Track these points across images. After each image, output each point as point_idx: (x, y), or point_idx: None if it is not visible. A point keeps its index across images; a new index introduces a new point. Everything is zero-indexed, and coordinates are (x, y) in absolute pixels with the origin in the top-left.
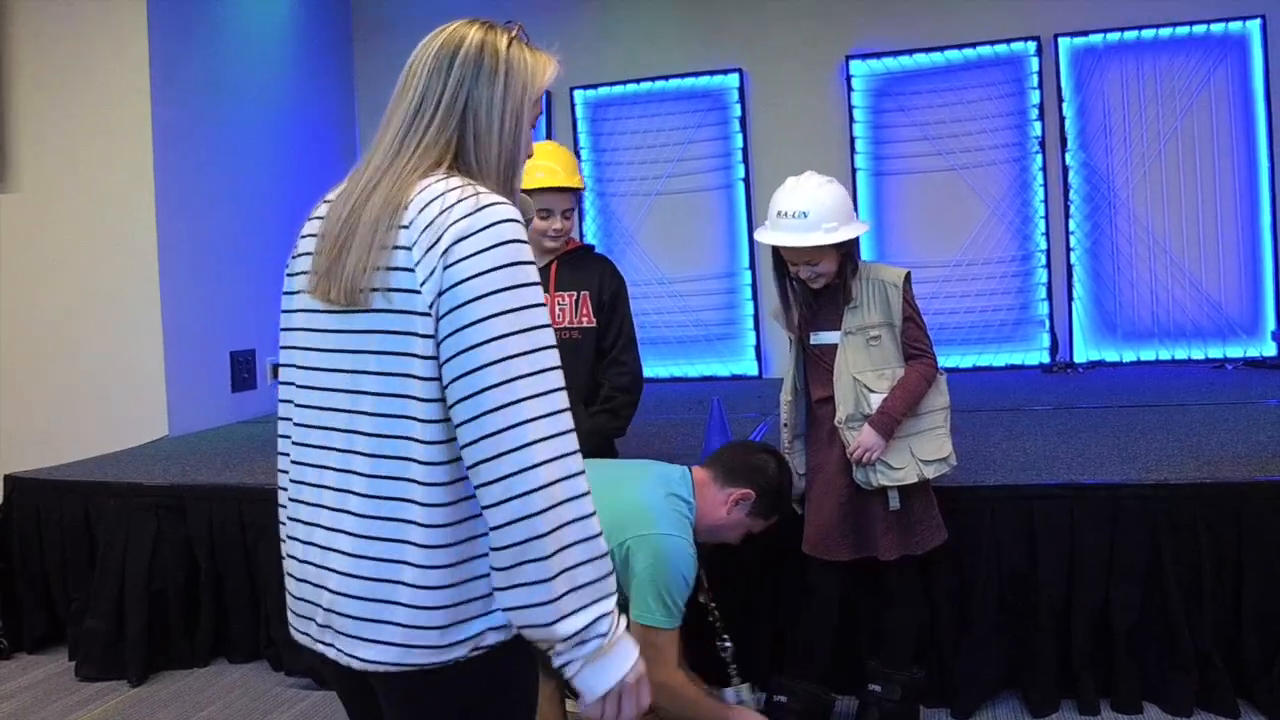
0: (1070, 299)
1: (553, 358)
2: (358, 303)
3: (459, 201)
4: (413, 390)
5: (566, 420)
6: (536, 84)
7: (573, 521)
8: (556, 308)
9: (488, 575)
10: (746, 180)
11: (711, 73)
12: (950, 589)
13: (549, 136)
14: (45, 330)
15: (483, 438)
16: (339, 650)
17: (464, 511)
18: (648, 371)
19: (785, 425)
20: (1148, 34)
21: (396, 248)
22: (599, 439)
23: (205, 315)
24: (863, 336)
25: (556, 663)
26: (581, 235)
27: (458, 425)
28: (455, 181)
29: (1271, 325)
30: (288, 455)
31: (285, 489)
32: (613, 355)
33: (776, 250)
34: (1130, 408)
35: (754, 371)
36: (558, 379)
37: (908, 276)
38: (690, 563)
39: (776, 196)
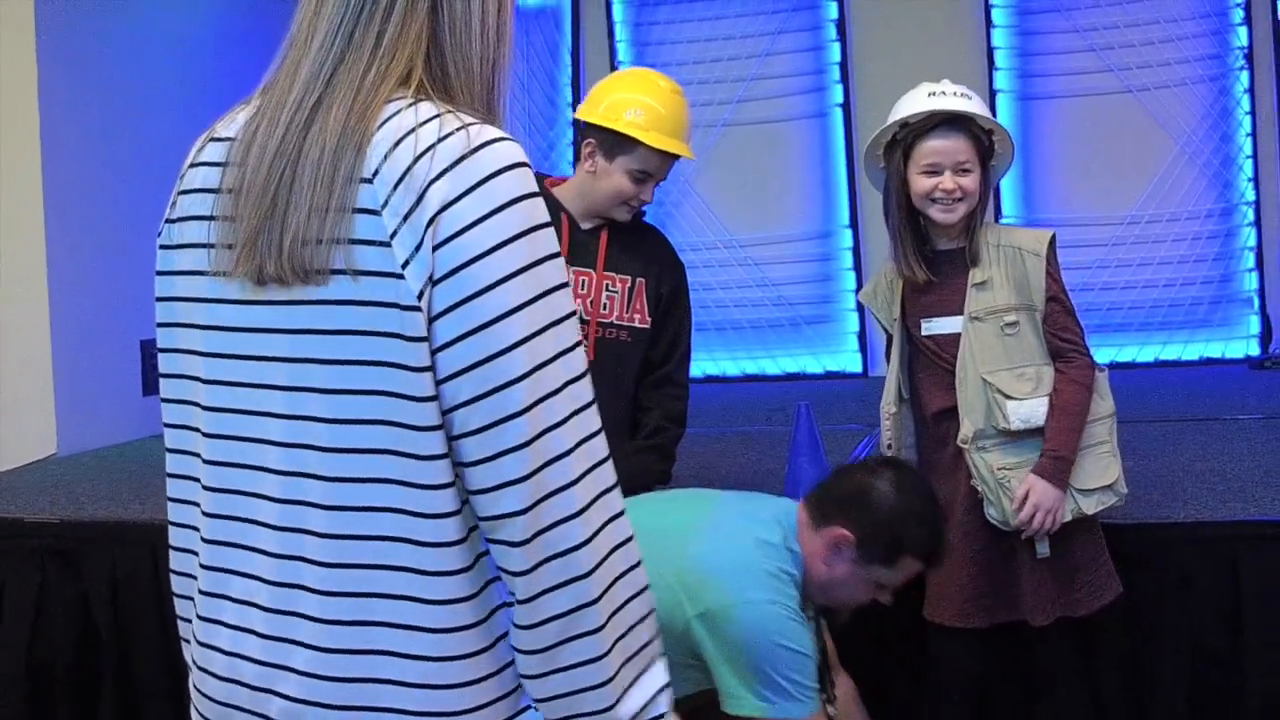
0: None
1: (582, 360)
2: (308, 281)
3: (440, 141)
4: (400, 415)
5: (603, 444)
6: None
7: (623, 575)
8: (604, 294)
9: (501, 670)
10: (846, 106)
11: None
12: (1122, 666)
13: (574, 46)
14: None
15: (507, 484)
16: None
17: (481, 578)
18: (714, 368)
19: (888, 447)
20: None
21: (359, 211)
22: (640, 485)
23: (107, 294)
24: (995, 323)
25: None
26: None
27: (468, 464)
28: (427, 109)
29: None
30: (194, 505)
31: (193, 552)
32: (666, 372)
33: (899, 181)
34: None
35: (857, 367)
36: (590, 388)
37: (1052, 240)
38: (796, 632)
39: (915, 90)
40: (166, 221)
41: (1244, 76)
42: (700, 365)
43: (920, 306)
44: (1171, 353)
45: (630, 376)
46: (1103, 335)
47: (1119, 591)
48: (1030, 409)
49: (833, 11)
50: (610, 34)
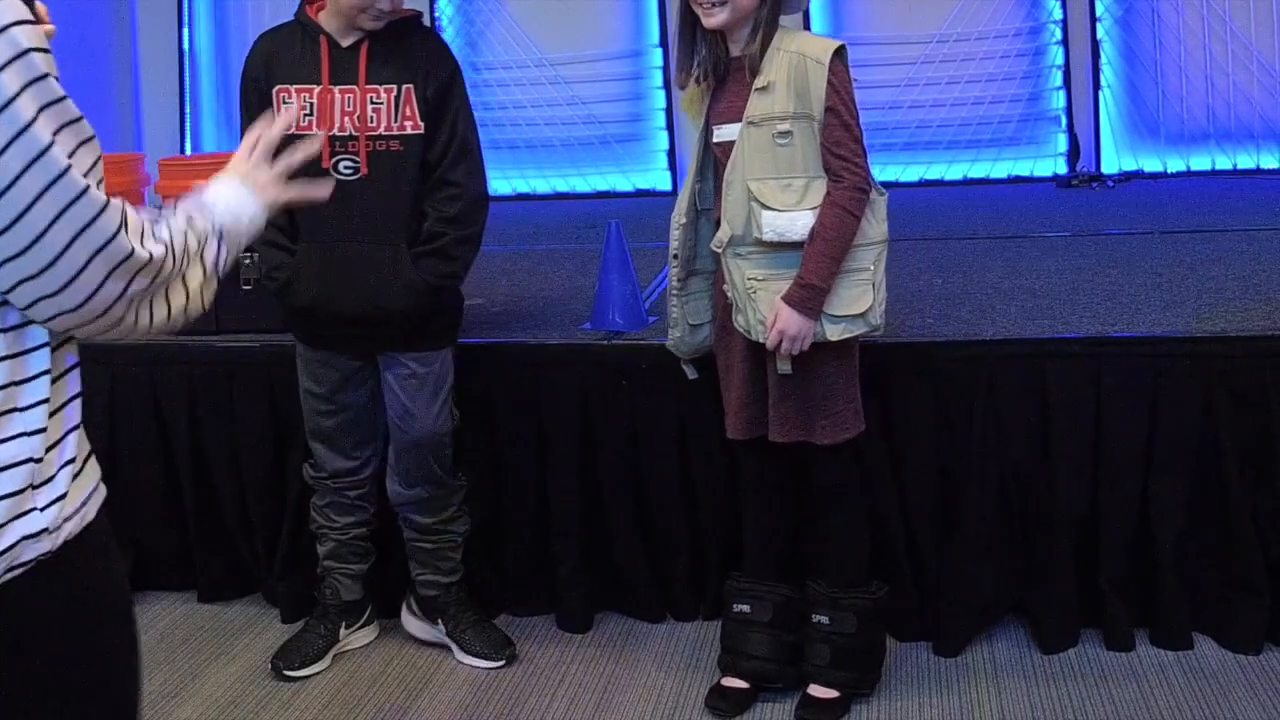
0: (1096, 88)
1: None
2: None
3: None
4: None
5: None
6: None
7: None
8: (369, 106)
9: (7, 468)
10: None
11: None
12: (932, 483)
13: None
14: None
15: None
16: None
17: None
18: (524, 186)
19: (674, 256)
20: None
21: None
22: (426, 294)
23: None
24: (768, 130)
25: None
26: None
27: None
28: None
29: None
30: None
31: None
32: (440, 173)
33: None
34: (1177, 234)
35: (666, 185)
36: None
37: (839, 51)
38: None
39: None
40: None
41: None
42: (511, 183)
43: (714, 113)
44: (980, 171)
45: (409, 184)
46: (912, 153)
47: (860, 428)
48: (787, 221)
49: None
50: None
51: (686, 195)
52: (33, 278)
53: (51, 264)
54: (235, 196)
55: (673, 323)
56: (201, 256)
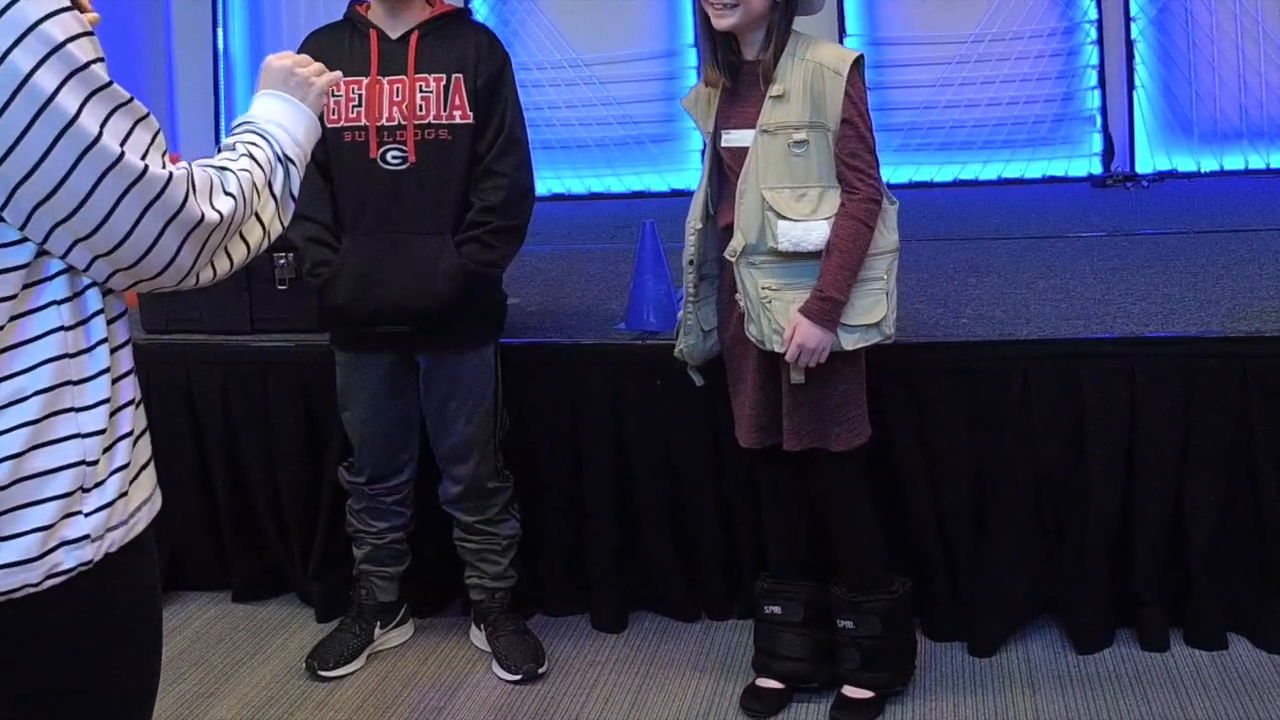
0: (1130, 88)
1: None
2: None
3: None
4: None
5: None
6: None
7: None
8: (418, 95)
9: (58, 470)
10: None
11: None
12: (966, 482)
13: None
14: None
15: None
16: None
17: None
18: (560, 186)
19: (690, 263)
20: None
21: None
22: (464, 279)
23: None
24: (784, 139)
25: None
26: None
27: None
28: None
29: None
30: None
31: None
32: (486, 163)
33: None
34: (1211, 234)
35: None
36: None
37: (858, 62)
38: None
39: None
40: None
41: None
42: (546, 184)
43: (724, 118)
44: (1015, 171)
45: (458, 175)
46: (947, 153)
47: (866, 437)
48: (803, 231)
49: None
50: None
51: (700, 200)
52: (107, 254)
53: (124, 241)
54: (286, 113)
55: (685, 330)
56: (270, 188)
